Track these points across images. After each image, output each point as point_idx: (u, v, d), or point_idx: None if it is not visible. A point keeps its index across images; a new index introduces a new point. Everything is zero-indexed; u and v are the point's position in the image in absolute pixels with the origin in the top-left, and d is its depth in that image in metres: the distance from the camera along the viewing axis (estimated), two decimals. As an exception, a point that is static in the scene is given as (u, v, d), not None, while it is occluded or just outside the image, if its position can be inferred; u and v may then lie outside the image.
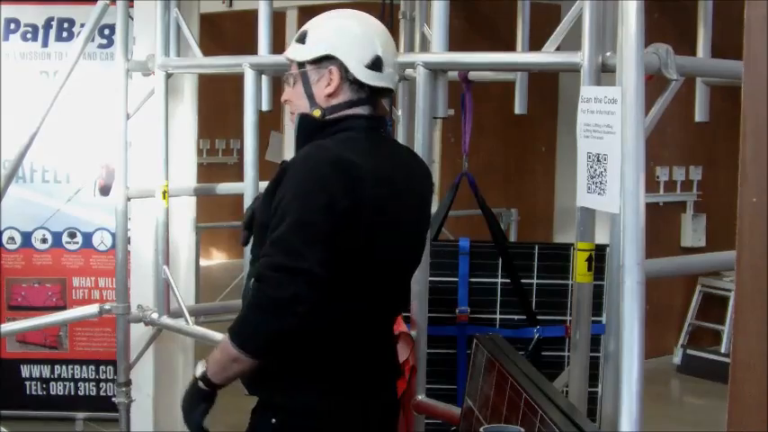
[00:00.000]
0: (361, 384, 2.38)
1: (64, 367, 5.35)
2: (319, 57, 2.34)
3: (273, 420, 2.34)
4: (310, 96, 2.36)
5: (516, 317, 3.51)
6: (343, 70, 2.33)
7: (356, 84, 2.34)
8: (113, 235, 4.70)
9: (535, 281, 3.53)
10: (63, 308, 5.15)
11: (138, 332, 4.40)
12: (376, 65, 2.34)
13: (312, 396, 2.31)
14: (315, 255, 2.14)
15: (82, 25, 4.85)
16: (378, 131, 2.39)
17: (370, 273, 2.30)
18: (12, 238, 5.30)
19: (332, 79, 2.33)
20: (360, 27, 2.38)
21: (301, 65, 2.37)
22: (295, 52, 2.39)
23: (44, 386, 5.36)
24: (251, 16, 3.87)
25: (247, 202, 3.58)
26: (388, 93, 2.42)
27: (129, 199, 4.25)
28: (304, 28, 2.41)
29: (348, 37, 2.35)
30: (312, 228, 2.16)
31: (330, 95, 2.34)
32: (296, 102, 2.40)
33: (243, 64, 3.61)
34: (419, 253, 2.55)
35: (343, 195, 2.18)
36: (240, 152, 8.64)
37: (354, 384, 2.36)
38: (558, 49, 2.70)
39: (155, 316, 4.18)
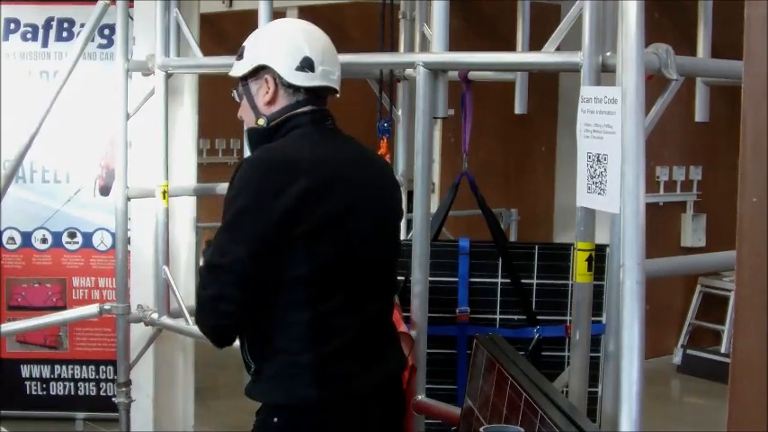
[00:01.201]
0: (356, 376, 2.39)
1: (64, 367, 5.35)
2: (254, 68, 2.45)
3: (275, 420, 2.37)
4: (254, 108, 2.48)
5: (516, 317, 3.51)
6: (277, 76, 2.43)
7: (291, 88, 2.43)
8: (113, 235, 4.70)
9: (535, 281, 3.53)
10: (63, 308, 5.15)
11: (138, 332, 4.40)
12: (306, 65, 2.41)
13: (309, 392, 2.33)
14: (239, 252, 2.25)
15: (82, 25, 4.85)
16: (323, 123, 2.46)
17: (330, 258, 2.33)
18: (12, 239, 5.30)
19: (269, 87, 2.44)
20: (286, 32, 2.49)
21: (243, 80, 2.49)
22: (235, 69, 2.52)
23: (44, 386, 5.36)
24: (251, 16, 3.86)
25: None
26: (328, 91, 2.48)
27: (129, 199, 4.25)
28: (243, 44, 2.53)
29: (276, 44, 2.45)
30: (240, 229, 2.28)
31: (269, 103, 2.45)
32: (246, 116, 2.53)
33: (243, 64, 3.61)
34: (390, 239, 2.54)
35: (275, 196, 2.26)
36: (240, 152, 8.63)
37: (349, 376, 2.38)
38: (558, 49, 2.70)
39: (155, 316, 4.18)
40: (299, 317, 2.32)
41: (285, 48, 2.43)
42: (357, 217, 2.38)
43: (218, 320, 2.31)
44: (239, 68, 2.50)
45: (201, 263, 2.36)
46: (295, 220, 2.26)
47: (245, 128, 2.53)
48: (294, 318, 2.32)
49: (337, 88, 2.49)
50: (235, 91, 2.53)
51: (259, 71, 2.45)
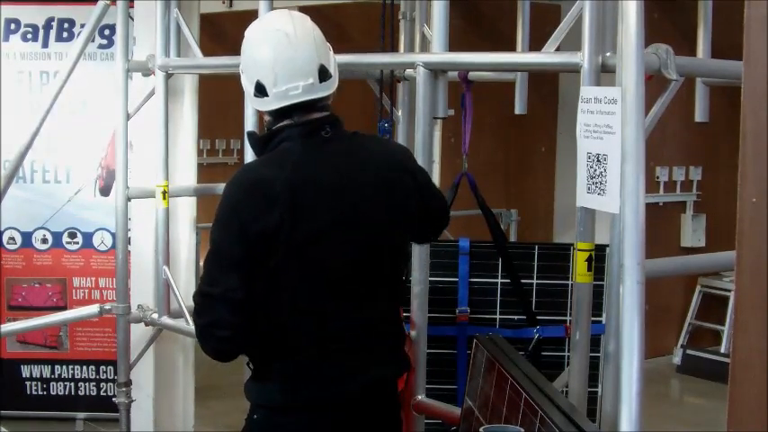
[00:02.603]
0: (334, 381, 2.39)
1: (64, 367, 5.35)
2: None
3: (255, 416, 2.44)
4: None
5: (516, 317, 3.51)
6: None
7: None
8: (113, 235, 4.70)
9: (535, 281, 3.54)
10: (63, 308, 5.15)
11: (139, 332, 4.40)
12: (260, 90, 2.37)
13: (275, 396, 2.38)
14: (229, 281, 2.26)
15: (82, 25, 4.85)
16: (317, 135, 2.37)
17: (312, 283, 2.32)
18: (12, 239, 5.30)
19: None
20: (246, 50, 2.43)
21: None
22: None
23: (44, 386, 5.36)
24: (251, 16, 3.85)
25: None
26: (306, 104, 2.36)
27: (129, 199, 4.25)
28: None
29: (242, 65, 2.44)
30: (225, 256, 2.30)
31: (260, 113, 2.47)
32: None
33: (243, 64, 3.61)
34: (389, 240, 2.46)
35: (252, 221, 2.26)
36: (240, 152, 8.63)
37: (327, 381, 2.38)
38: (558, 49, 2.70)
39: (155, 316, 4.18)
40: (276, 327, 2.35)
41: (246, 71, 2.43)
42: (342, 242, 2.34)
43: (217, 345, 2.35)
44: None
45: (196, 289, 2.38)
46: (271, 247, 2.26)
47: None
48: (272, 327, 2.35)
49: (307, 99, 2.34)
50: None
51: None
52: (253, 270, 2.27)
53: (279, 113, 2.37)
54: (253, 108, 2.60)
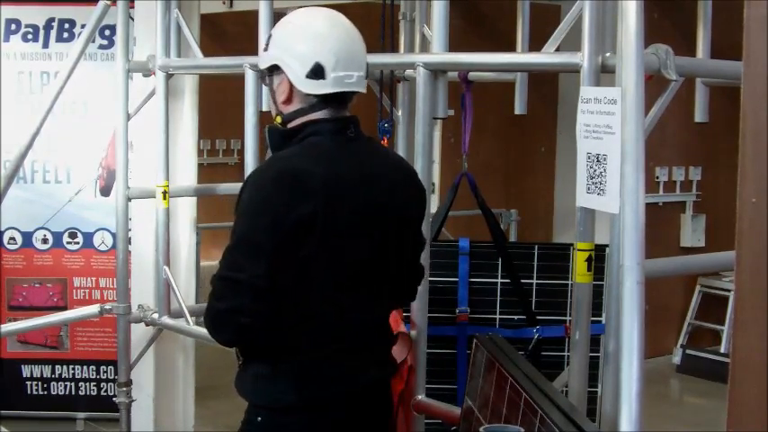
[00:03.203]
0: (340, 381, 2.39)
1: (64, 367, 5.35)
2: (272, 66, 2.40)
3: (258, 419, 2.39)
4: (275, 101, 2.44)
5: (516, 317, 3.51)
6: (290, 80, 2.37)
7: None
8: (114, 235, 4.70)
9: (535, 281, 3.53)
10: (64, 308, 5.15)
11: (139, 332, 4.40)
12: (316, 73, 2.34)
13: (289, 396, 2.34)
14: (256, 268, 2.23)
15: (83, 26, 4.85)
16: (344, 134, 2.39)
17: (331, 274, 2.31)
18: (12, 239, 5.30)
19: (285, 87, 2.39)
20: (302, 34, 2.38)
21: (264, 71, 2.45)
22: (260, 60, 2.48)
23: (45, 386, 5.36)
24: (251, 17, 3.86)
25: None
26: (347, 94, 2.39)
27: (129, 199, 4.25)
28: (271, 32, 2.47)
29: (290, 46, 2.37)
30: (255, 245, 2.25)
31: (285, 102, 2.40)
32: (271, 108, 2.49)
33: (243, 64, 3.62)
34: (402, 247, 2.50)
35: (287, 212, 2.23)
36: (241, 152, 8.62)
37: (333, 381, 2.38)
38: (558, 49, 2.70)
39: (155, 316, 4.18)
40: (288, 322, 2.32)
41: (297, 52, 2.35)
42: (363, 234, 2.35)
43: (236, 330, 2.30)
44: (261, 61, 2.46)
45: (216, 273, 2.30)
46: (302, 239, 2.24)
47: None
48: (283, 323, 2.32)
49: (358, 90, 2.39)
50: (261, 80, 2.49)
51: (275, 68, 2.40)
52: (280, 260, 2.24)
53: (322, 100, 2.35)
54: (268, 101, 2.49)
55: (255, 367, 2.40)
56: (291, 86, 2.36)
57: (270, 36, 2.45)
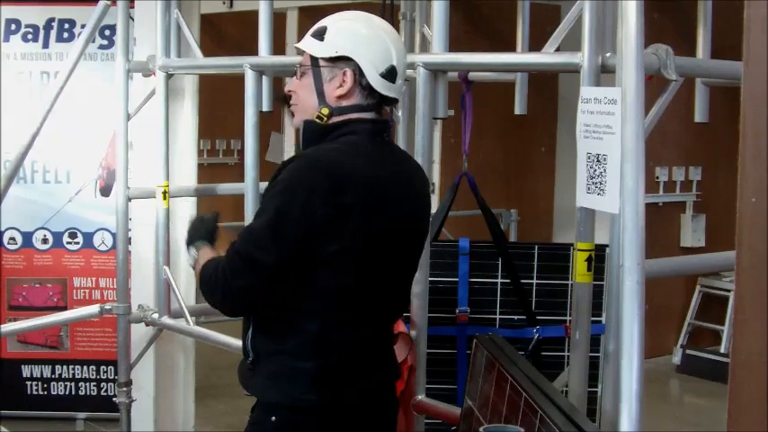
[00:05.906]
0: (355, 383, 2.38)
1: (65, 367, 5.35)
2: (337, 56, 2.34)
3: (273, 418, 2.35)
4: (320, 93, 2.37)
5: (516, 317, 3.51)
6: (358, 74, 2.34)
7: (367, 89, 2.35)
8: (114, 235, 4.70)
9: (535, 281, 3.53)
10: (64, 308, 5.15)
11: (139, 332, 4.40)
12: (390, 75, 2.36)
13: (309, 396, 2.32)
14: (281, 253, 2.23)
15: (83, 26, 4.85)
16: (381, 135, 2.41)
17: (358, 276, 2.31)
18: (12, 239, 5.31)
19: (345, 81, 2.34)
20: (380, 35, 2.38)
21: (315, 60, 2.37)
22: (312, 47, 2.38)
23: (45, 386, 5.36)
24: (251, 17, 3.87)
25: (248, 202, 3.60)
26: (393, 102, 2.43)
27: (129, 199, 4.25)
28: (323, 23, 2.40)
29: (368, 43, 2.35)
30: (284, 229, 2.23)
31: (341, 97, 2.35)
32: (302, 94, 2.41)
33: (243, 65, 3.62)
34: (416, 258, 2.54)
35: (324, 202, 2.20)
36: (241, 153, 8.63)
37: (349, 383, 2.37)
38: (558, 49, 2.70)
39: (155, 316, 4.18)
40: (309, 326, 2.30)
41: (377, 50, 2.35)
42: (391, 240, 2.36)
43: (242, 310, 2.38)
44: (319, 49, 2.36)
45: (236, 244, 2.30)
46: (334, 233, 2.23)
47: (299, 105, 2.41)
48: (304, 325, 2.30)
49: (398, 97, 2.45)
50: (300, 66, 2.40)
51: (339, 60, 2.34)
52: (306, 250, 2.23)
53: (382, 101, 2.38)
54: (296, 97, 2.45)
55: (271, 365, 2.36)
56: (354, 82, 2.34)
57: (325, 27, 2.38)
